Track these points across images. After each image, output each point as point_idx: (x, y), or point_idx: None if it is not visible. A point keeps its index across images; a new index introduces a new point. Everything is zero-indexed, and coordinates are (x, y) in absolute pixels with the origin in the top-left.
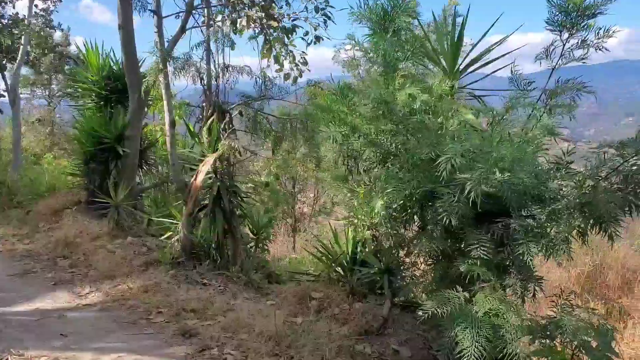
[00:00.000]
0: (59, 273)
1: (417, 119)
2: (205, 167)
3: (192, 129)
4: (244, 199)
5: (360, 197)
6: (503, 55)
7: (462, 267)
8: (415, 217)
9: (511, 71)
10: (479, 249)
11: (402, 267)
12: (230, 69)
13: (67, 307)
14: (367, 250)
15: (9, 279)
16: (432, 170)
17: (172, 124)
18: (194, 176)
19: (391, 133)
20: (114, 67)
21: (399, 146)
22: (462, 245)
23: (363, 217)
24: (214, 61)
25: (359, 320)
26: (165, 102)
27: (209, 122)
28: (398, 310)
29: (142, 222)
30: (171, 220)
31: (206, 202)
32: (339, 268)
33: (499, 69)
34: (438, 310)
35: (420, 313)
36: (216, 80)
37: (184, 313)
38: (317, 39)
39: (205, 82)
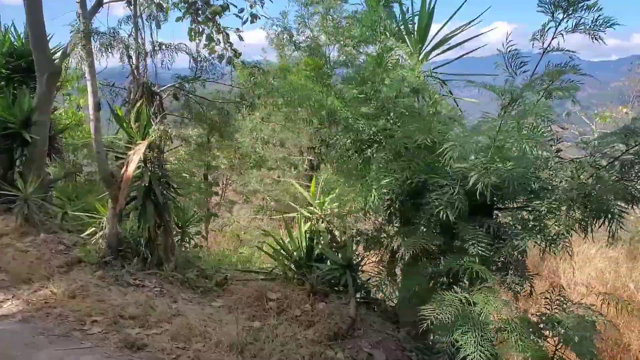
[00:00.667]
0: None
1: (404, 103)
2: (136, 156)
3: (120, 113)
4: (177, 189)
5: (337, 187)
6: (471, 38)
7: (453, 264)
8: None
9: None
10: (475, 245)
11: (361, 263)
12: (164, 47)
13: None
14: (321, 244)
15: None
16: (424, 159)
17: (97, 106)
18: (125, 166)
19: (373, 117)
20: (16, 43)
21: (381, 132)
22: (454, 241)
23: (317, 210)
24: (142, 39)
25: (325, 322)
26: (89, 83)
27: (137, 105)
28: (364, 309)
29: (56, 217)
30: (91, 215)
31: (134, 193)
32: (293, 265)
33: (470, 51)
34: (439, 314)
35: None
36: (144, 60)
37: (123, 321)
38: (254, 17)
39: (133, 61)
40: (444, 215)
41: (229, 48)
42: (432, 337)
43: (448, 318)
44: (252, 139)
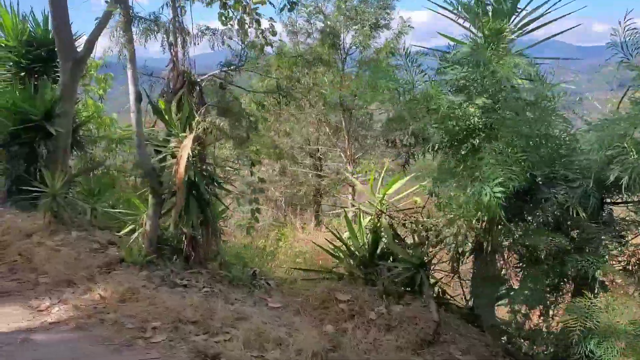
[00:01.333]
0: (1, 282)
1: (514, 94)
2: (185, 151)
3: (162, 104)
4: (221, 184)
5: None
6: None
7: (580, 265)
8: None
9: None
10: (604, 245)
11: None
12: (209, 32)
13: (30, 328)
14: (387, 241)
15: None
16: (546, 150)
17: (139, 97)
18: (176, 162)
19: (482, 108)
20: (35, 32)
21: (494, 122)
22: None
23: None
24: (180, 23)
25: (407, 326)
26: (129, 72)
27: (178, 95)
28: (442, 312)
29: (85, 214)
30: (122, 211)
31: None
32: (358, 263)
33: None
34: (573, 322)
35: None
36: (183, 47)
37: (183, 326)
38: (292, 4)
39: (174, 48)
40: (574, 212)
41: (261, 35)
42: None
43: (582, 326)
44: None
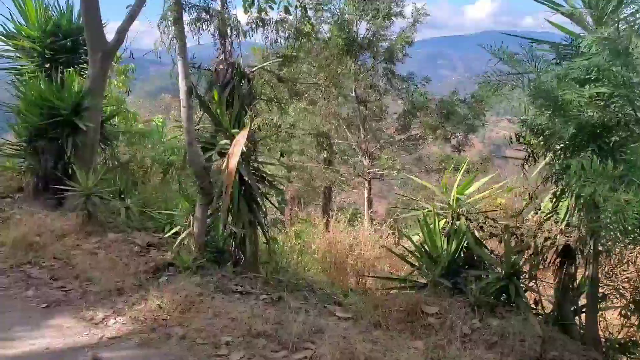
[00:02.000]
0: (43, 289)
1: None
2: (237, 148)
3: (216, 96)
4: (272, 183)
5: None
6: None
7: None
8: None
9: None
10: None
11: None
12: (263, 22)
13: (89, 344)
14: (469, 247)
15: None
16: None
17: (190, 91)
18: (226, 160)
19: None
20: (61, 21)
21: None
22: None
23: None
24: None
25: (509, 342)
26: (179, 64)
27: (228, 89)
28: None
29: (118, 213)
30: (166, 212)
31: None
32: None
33: None
34: None
35: None
36: (231, 38)
37: (256, 340)
38: None
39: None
40: None
41: (307, 22)
42: None
43: None
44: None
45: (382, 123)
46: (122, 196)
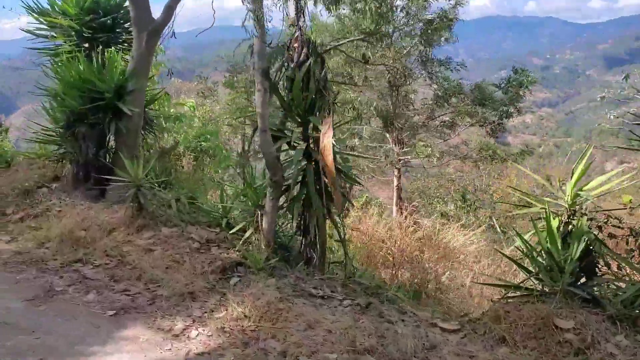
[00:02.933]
0: (105, 293)
1: None
2: (328, 140)
3: (298, 80)
4: (349, 175)
5: None
6: None
7: None
8: None
9: None
10: None
11: None
12: None
13: None
14: (594, 249)
15: (26, 307)
16: None
17: (266, 73)
18: (321, 151)
19: None
20: None
21: None
22: None
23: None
24: None
25: None
26: (256, 42)
27: (302, 70)
28: None
29: (170, 205)
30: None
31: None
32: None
33: None
34: None
35: None
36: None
37: (364, 358)
38: None
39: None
40: None
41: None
42: None
43: None
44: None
45: (409, 108)
46: (165, 187)
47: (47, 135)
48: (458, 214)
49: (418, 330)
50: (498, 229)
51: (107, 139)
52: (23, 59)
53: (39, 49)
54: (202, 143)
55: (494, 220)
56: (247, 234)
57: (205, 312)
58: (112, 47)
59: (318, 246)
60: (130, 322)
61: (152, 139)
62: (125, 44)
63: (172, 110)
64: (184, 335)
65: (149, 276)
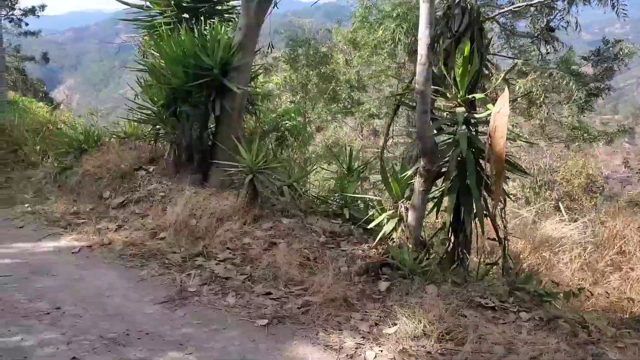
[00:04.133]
0: (246, 295)
1: None
2: (502, 122)
3: (468, 48)
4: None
5: None
6: None
7: None
8: None
9: None
10: None
11: None
12: None
13: None
14: None
15: (161, 312)
16: None
17: (433, 44)
18: (491, 133)
19: None
20: None
21: None
22: None
23: None
24: None
25: None
26: (423, 8)
27: (464, 41)
28: None
29: (282, 194)
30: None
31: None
32: None
33: None
34: None
35: None
36: None
37: None
38: None
39: None
40: None
41: None
42: None
43: None
44: None
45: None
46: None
47: (143, 114)
48: (527, 195)
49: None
50: (564, 212)
51: (208, 119)
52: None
53: (132, 20)
54: (287, 122)
55: (561, 204)
56: (385, 229)
57: (372, 326)
58: (216, 19)
59: (465, 246)
60: (288, 336)
61: (255, 119)
62: (228, 15)
63: (257, 88)
64: (359, 356)
65: (285, 275)
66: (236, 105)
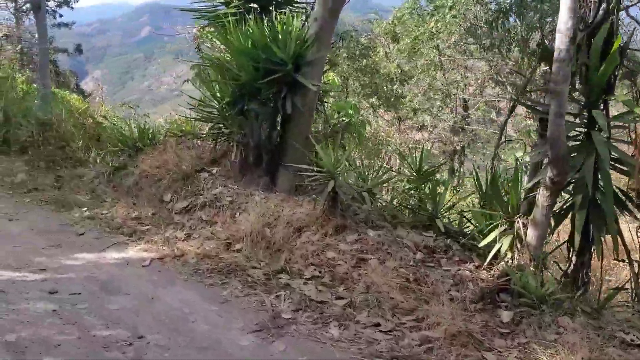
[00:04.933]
0: (351, 327)
1: None
2: None
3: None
4: None
5: None
6: None
7: None
8: None
9: None
10: None
11: None
12: None
13: None
14: None
15: (257, 344)
16: None
17: (574, 37)
18: (634, 141)
19: None
20: None
21: None
22: None
23: None
24: None
25: None
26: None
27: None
28: None
29: (362, 201)
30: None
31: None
32: None
33: None
34: None
35: None
36: None
37: None
38: None
39: None
40: None
41: None
42: None
43: None
44: None
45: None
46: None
47: (205, 112)
48: None
49: None
50: None
51: (276, 118)
52: (90, 25)
53: (195, 10)
54: (343, 119)
55: None
56: (499, 247)
57: None
58: (287, 8)
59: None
60: None
61: (324, 118)
62: (296, 4)
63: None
64: None
65: (390, 301)
66: (308, 103)
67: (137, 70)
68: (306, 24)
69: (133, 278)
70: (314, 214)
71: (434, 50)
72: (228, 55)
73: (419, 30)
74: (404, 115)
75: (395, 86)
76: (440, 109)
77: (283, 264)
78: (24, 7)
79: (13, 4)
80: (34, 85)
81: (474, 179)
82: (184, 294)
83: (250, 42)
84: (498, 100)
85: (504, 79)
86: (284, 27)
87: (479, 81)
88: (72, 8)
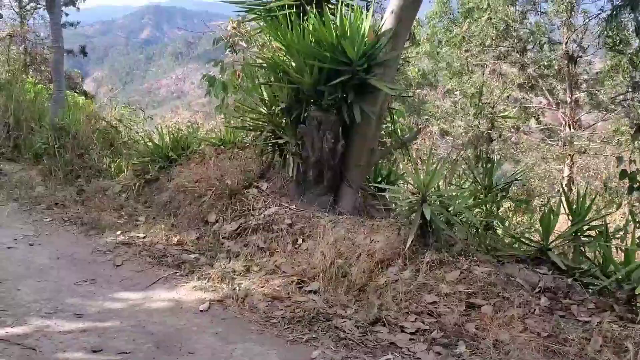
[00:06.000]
0: None
1: None
2: None
3: None
4: None
5: None
6: None
7: None
8: None
9: None
10: None
11: None
12: None
13: None
14: None
15: None
16: None
17: None
18: None
19: None
20: None
21: None
22: None
23: None
24: None
25: None
26: None
27: None
28: None
29: (452, 226)
30: None
31: None
32: None
33: None
34: None
35: None
36: None
37: None
38: None
39: None
40: None
41: None
42: None
43: None
44: None
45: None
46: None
47: (253, 120)
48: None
49: None
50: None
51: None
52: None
53: (239, 2)
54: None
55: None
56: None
57: None
58: (354, 2)
59: None
60: None
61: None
62: None
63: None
64: None
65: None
66: (376, 110)
67: (137, 72)
68: (373, 17)
69: (193, 330)
70: (395, 243)
71: (465, 53)
72: (283, 54)
73: (450, 34)
74: (431, 122)
75: (418, 90)
76: (470, 114)
77: (376, 312)
78: (28, 7)
79: (17, 2)
80: (39, 85)
81: (562, 198)
82: (264, 357)
83: (313, 40)
84: (527, 107)
85: (541, 83)
86: (355, 21)
87: (510, 85)
88: (77, 8)
